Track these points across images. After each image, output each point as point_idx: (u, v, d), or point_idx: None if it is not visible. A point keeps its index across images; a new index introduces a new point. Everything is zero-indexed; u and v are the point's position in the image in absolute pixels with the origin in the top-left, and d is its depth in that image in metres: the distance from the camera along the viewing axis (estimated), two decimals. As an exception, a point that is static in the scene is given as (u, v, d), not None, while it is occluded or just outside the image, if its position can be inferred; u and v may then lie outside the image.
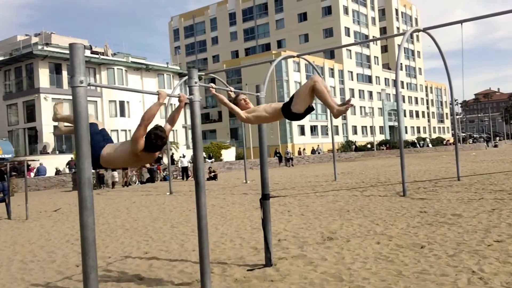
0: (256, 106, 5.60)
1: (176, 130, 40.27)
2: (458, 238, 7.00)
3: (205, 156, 37.49)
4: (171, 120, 4.85)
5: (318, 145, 57.88)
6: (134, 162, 4.68)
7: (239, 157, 46.50)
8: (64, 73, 38.50)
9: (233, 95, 5.98)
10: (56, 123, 5.17)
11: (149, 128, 4.59)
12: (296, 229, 8.74)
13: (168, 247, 7.90)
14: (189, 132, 43.33)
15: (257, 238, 7.93)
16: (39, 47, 39.29)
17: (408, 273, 5.40)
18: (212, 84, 5.41)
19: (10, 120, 40.46)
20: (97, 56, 41.74)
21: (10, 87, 40.58)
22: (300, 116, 5.01)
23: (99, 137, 4.67)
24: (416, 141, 68.09)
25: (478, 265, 5.51)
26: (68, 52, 3.81)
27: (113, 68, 42.14)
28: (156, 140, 4.48)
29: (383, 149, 57.96)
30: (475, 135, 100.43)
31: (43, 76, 37.84)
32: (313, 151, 54.55)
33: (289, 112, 4.98)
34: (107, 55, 44.11)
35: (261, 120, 5.51)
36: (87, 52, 40.96)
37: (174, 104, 40.10)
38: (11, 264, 7.46)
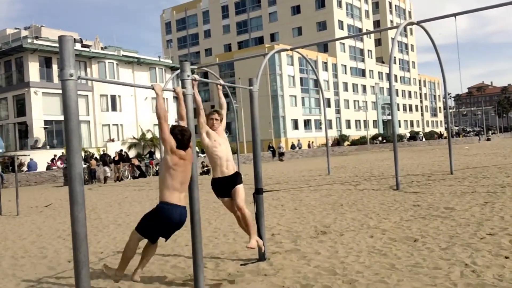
0: (208, 138, 5.79)
1: (168, 125, 40.15)
2: (451, 231, 7.01)
3: (198, 150, 37.44)
4: (180, 116, 4.97)
5: (312, 141, 57.93)
6: (184, 166, 4.66)
7: (232, 151, 46.41)
8: (55, 67, 38.20)
9: (220, 87, 6.03)
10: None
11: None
12: (290, 224, 8.73)
13: (161, 242, 7.83)
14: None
15: (250, 233, 7.90)
16: (29, 40, 38.95)
17: (401, 266, 5.40)
18: (196, 76, 5.35)
19: (0, 114, 40.15)
20: (87, 49, 41.42)
21: (0, 81, 40.25)
22: None
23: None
24: (416, 135, 68.31)
25: (471, 258, 5.52)
26: (58, 45, 3.74)
27: (104, 62, 41.86)
28: (181, 134, 4.61)
29: (376, 143, 58.12)
30: (468, 129, 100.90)
31: (33, 69, 37.53)
32: (309, 146, 54.57)
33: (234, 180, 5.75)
34: (97, 49, 43.82)
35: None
36: (78, 46, 40.63)
37: (167, 98, 39.96)
38: (2, 260, 7.40)
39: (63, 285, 5.67)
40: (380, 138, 61.03)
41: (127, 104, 42.80)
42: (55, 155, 32.82)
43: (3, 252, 8.04)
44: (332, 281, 5.04)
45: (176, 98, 5.00)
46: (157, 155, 33.87)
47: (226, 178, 5.69)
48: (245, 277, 5.45)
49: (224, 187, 5.74)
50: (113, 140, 40.38)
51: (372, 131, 71.34)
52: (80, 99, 28.80)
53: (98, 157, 29.93)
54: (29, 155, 28.96)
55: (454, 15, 14.25)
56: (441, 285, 4.66)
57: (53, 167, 30.85)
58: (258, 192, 6.30)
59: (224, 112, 6.03)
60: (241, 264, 5.99)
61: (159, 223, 4.64)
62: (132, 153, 36.54)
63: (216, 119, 5.77)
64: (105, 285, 5.56)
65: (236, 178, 5.73)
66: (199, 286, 4.87)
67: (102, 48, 45.47)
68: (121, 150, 31.39)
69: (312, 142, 56.77)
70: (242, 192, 5.67)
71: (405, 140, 61.92)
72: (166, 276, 5.75)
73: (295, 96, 64.00)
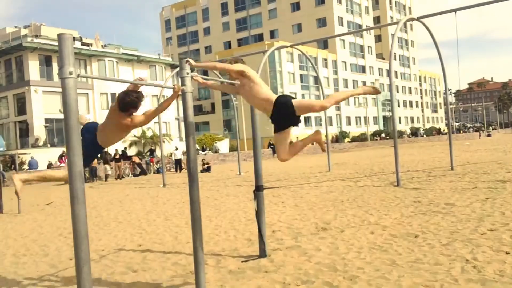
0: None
1: (168, 122, 40.11)
2: (452, 227, 7.02)
3: (198, 148, 37.46)
4: (160, 105, 5.09)
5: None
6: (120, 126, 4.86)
7: (232, 148, 46.46)
8: (55, 65, 38.14)
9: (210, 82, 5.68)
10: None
11: None
12: (290, 220, 8.74)
13: (162, 240, 7.87)
14: (182, 124, 43.26)
15: (251, 230, 7.92)
16: (29, 39, 38.89)
17: (402, 262, 5.40)
18: (196, 74, 5.27)
19: (1, 113, 40.16)
20: (87, 47, 41.39)
21: (0, 79, 40.24)
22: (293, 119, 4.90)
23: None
24: (417, 131, 68.34)
25: (471, 253, 5.53)
26: (57, 44, 3.74)
27: (104, 60, 41.82)
28: (133, 94, 4.84)
29: (376, 139, 58.11)
30: (468, 125, 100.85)
31: (33, 68, 37.51)
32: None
33: (288, 109, 4.81)
34: (97, 47, 43.77)
35: (247, 91, 5.02)
36: (77, 44, 40.59)
37: (167, 96, 39.99)
38: (4, 258, 7.41)
39: (65, 283, 5.68)
40: (383, 135, 60.95)
41: (127, 102, 42.79)
42: (64, 151, 32.83)
43: (4, 250, 8.06)
44: (333, 277, 5.05)
45: (179, 95, 4.98)
46: (158, 153, 33.87)
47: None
48: (246, 273, 5.46)
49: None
50: (113, 138, 40.39)
51: (373, 128, 71.35)
52: (80, 97, 28.86)
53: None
54: (29, 154, 28.99)
55: (455, 10, 14.22)
56: (442, 280, 4.66)
57: (62, 164, 30.77)
58: (258, 189, 6.30)
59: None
60: (242, 261, 6.00)
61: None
62: (132, 151, 36.51)
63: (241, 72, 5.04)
64: (106, 282, 5.57)
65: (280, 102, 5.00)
66: (200, 283, 4.88)
67: (102, 47, 45.42)
68: (125, 148, 31.34)
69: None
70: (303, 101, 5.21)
71: (405, 136, 61.96)
72: (167, 273, 5.76)
73: (295, 93, 63.92)
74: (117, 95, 4.84)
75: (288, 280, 5.10)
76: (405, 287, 4.58)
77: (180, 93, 4.93)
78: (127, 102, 4.75)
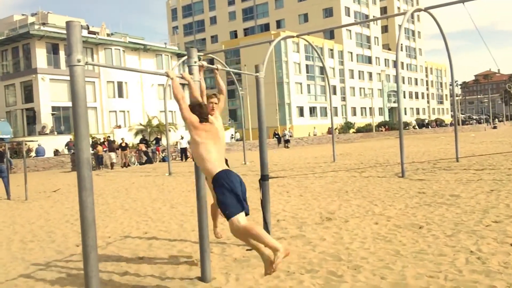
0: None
1: (174, 112, 40.12)
2: (456, 219, 7.03)
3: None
4: (194, 99, 4.86)
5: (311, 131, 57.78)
6: (210, 137, 4.58)
7: (238, 138, 46.44)
8: (62, 53, 38.22)
9: (217, 72, 5.78)
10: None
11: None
12: (295, 210, 8.78)
13: (168, 227, 7.94)
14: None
15: (256, 219, 7.95)
16: (36, 27, 38.92)
17: (406, 253, 5.43)
18: (204, 62, 5.30)
19: (8, 100, 40.29)
20: (94, 36, 41.38)
21: (7, 67, 40.32)
22: None
23: None
24: (422, 122, 68.22)
25: (476, 245, 5.54)
26: (65, 32, 3.75)
27: (111, 49, 41.80)
28: (199, 106, 4.63)
29: (382, 131, 57.98)
30: (474, 117, 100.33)
31: (40, 56, 37.55)
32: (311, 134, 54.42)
33: None
34: (104, 35, 43.76)
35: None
36: (84, 32, 40.58)
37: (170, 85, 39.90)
38: (11, 244, 7.50)
39: (72, 269, 5.75)
40: (393, 126, 60.71)
41: (134, 90, 42.81)
42: (70, 139, 32.97)
43: (12, 236, 8.15)
44: (337, 267, 5.09)
45: (186, 84, 5.00)
46: (164, 141, 33.94)
47: None
48: (250, 262, 5.51)
49: None
50: (119, 127, 40.50)
51: (378, 119, 71.11)
52: (87, 85, 28.85)
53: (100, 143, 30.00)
54: (37, 141, 29.13)
55: (463, 1, 14.10)
56: (446, 271, 4.69)
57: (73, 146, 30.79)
58: (263, 178, 6.33)
59: (222, 97, 5.70)
60: (247, 249, 6.03)
61: (228, 191, 4.33)
62: (138, 139, 36.56)
63: (216, 103, 5.48)
64: (112, 269, 5.63)
65: None
66: (205, 271, 4.93)
67: (108, 35, 45.39)
68: (122, 139, 31.34)
69: (314, 128, 56.47)
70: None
71: (410, 127, 61.80)
72: (173, 260, 5.82)
73: (300, 83, 63.78)
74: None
75: (292, 269, 5.14)
76: (409, 277, 4.60)
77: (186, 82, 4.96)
78: (200, 112, 4.64)
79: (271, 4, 78.36)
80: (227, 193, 4.29)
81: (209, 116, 4.77)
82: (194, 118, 4.54)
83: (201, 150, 4.46)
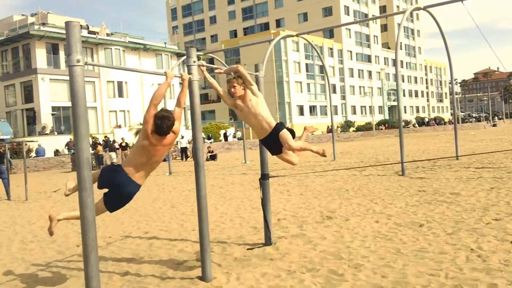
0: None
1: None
2: (457, 217, 7.03)
3: (204, 136, 37.47)
4: (178, 102, 5.02)
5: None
6: (151, 151, 4.78)
7: (239, 137, 46.40)
8: (61, 53, 38.24)
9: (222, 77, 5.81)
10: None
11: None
12: (296, 209, 8.78)
13: (168, 227, 7.94)
14: (188, 112, 43.29)
15: (256, 218, 7.97)
16: (36, 27, 38.94)
17: (407, 251, 5.43)
18: (203, 62, 5.31)
19: (8, 101, 40.31)
20: (94, 36, 41.38)
21: (7, 67, 40.34)
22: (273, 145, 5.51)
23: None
24: (422, 120, 68.29)
25: (476, 243, 5.54)
26: (65, 32, 3.75)
27: (111, 48, 41.82)
28: (161, 121, 4.63)
29: (382, 129, 57.97)
30: (473, 115, 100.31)
31: (40, 56, 37.58)
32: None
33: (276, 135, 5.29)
34: (104, 35, 43.76)
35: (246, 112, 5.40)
36: (84, 32, 40.58)
37: (173, 85, 39.93)
38: (12, 244, 7.49)
39: (72, 269, 5.75)
40: (393, 125, 60.74)
41: (134, 90, 42.82)
42: (70, 139, 32.98)
43: (12, 236, 8.14)
44: (338, 265, 5.08)
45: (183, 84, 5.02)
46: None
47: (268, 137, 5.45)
48: (251, 261, 5.51)
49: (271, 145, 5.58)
50: (120, 126, 40.51)
51: (378, 117, 71.10)
52: (87, 85, 28.74)
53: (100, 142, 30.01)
54: (37, 141, 29.13)
55: (462, -1, 14.09)
56: (446, 269, 4.69)
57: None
58: (264, 177, 6.32)
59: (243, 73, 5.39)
60: (248, 249, 6.04)
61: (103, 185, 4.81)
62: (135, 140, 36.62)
63: (234, 86, 5.26)
64: (113, 269, 5.63)
65: (277, 129, 5.36)
66: (206, 270, 4.93)
67: (108, 35, 45.38)
68: (122, 138, 31.35)
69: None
70: (286, 134, 5.32)
71: (411, 125, 61.85)
72: (173, 260, 5.82)
73: (300, 82, 63.75)
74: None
75: (293, 267, 5.13)
76: (410, 275, 4.60)
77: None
78: (162, 127, 4.70)
79: (270, 4, 78.31)
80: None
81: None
82: (150, 126, 4.67)
83: (136, 151, 4.83)
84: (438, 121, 71.89)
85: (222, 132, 46.02)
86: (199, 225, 5.01)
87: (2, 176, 14.10)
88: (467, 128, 57.24)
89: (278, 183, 12.66)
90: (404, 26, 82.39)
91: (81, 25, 3.86)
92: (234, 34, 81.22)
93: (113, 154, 26.90)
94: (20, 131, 38.42)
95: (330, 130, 51.62)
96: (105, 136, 34.27)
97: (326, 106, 65.63)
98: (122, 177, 4.74)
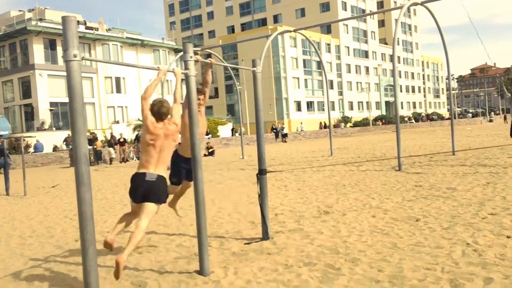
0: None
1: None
2: (453, 211, 7.07)
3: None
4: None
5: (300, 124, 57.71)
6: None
7: (235, 132, 46.44)
8: (59, 49, 38.18)
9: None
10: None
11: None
12: (293, 204, 8.81)
13: (166, 222, 7.96)
14: (186, 108, 43.09)
15: (254, 213, 7.99)
16: (33, 22, 38.82)
17: (403, 245, 5.46)
18: (198, 57, 5.34)
19: (6, 96, 40.24)
20: (91, 31, 41.29)
21: (4, 63, 40.25)
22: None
23: None
24: (418, 116, 68.49)
25: (472, 237, 5.58)
26: (62, 27, 3.77)
27: (108, 44, 41.75)
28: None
29: (379, 125, 58.06)
30: (470, 110, 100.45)
31: (38, 52, 37.50)
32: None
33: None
34: (101, 31, 43.65)
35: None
36: (82, 28, 40.49)
37: (170, 80, 39.88)
38: (10, 239, 7.51)
39: (71, 264, 5.77)
40: (390, 120, 60.82)
41: (132, 86, 42.78)
42: (68, 135, 32.91)
43: (11, 231, 8.16)
44: (335, 260, 5.12)
45: (182, 80, 5.05)
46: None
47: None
48: (249, 255, 5.54)
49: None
50: (118, 122, 40.49)
51: (375, 113, 71.18)
52: (84, 81, 28.84)
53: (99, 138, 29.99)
54: (35, 137, 29.11)
55: (459, -5, 14.11)
56: (443, 264, 4.72)
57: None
58: (261, 172, 6.35)
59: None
60: (245, 243, 6.07)
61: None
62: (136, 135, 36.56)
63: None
64: (111, 263, 5.65)
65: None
66: (203, 265, 4.96)
67: (106, 31, 45.27)
68: (121, 134, 31.30)
69: (301, 123, 56.43)
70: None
71: (406, 119, 62.08)
72: (171, 254, 5.84)
73: (298, 78, 63.77)
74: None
75: (290, 262, 5.17)
76: (406, 270, 4.63)
77: (183, 77, 5.01)
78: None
79: (268, -1, 78.22)
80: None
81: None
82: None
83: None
84: (431, 117, 71.97)
85: (220, 127, 46.00)
86: (197, 220, 5.03)
87: (5, 170, 14.12)
88: (463, 123, 57.36)
89: (275, 178, 12.69)
90: (401, 22, 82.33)
91: (78, 21, 3.87)
92: (231, 29, 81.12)
93: (111, 150, 26.89)
94: (18, 126, 38.38)
95: (325, 126, 51.78)
96: (111, 134, 34.23)
97: (323, 101, 65.66)
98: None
